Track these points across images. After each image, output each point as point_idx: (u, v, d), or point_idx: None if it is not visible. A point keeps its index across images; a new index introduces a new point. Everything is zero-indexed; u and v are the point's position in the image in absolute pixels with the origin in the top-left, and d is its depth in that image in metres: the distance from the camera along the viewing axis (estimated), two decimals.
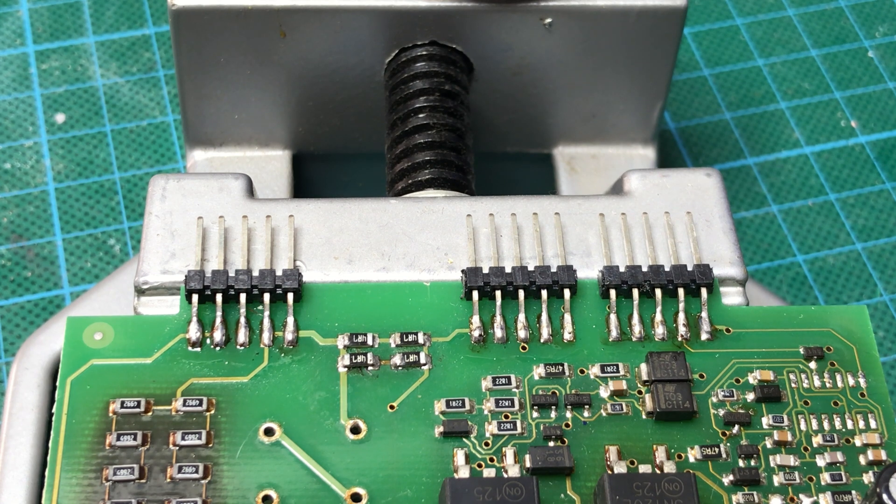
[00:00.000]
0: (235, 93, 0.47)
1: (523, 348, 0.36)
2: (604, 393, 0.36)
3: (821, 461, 0.35)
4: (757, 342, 0.37)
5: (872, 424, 0.36)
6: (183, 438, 0.34)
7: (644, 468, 0.34)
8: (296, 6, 0.44)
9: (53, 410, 0.35)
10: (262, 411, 0.35)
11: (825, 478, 0.35)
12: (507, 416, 0.35)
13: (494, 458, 0.34)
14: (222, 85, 0.46)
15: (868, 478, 0.35)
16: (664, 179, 0.40)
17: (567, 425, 0.35)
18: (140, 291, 0.37)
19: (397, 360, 0.36)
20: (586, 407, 0.35)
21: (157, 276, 0.37)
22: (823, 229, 0.56)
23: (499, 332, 0.37)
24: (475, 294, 0.37)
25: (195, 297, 0.36)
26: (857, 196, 0.57)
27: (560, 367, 0.36)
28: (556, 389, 0.36)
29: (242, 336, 0.36)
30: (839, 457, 0.35)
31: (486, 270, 0.37)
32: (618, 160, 0.49)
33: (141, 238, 0.38)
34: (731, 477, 0.34)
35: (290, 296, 0.36)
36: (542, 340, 0.37)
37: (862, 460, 0.35)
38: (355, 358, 0.36)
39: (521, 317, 0.37)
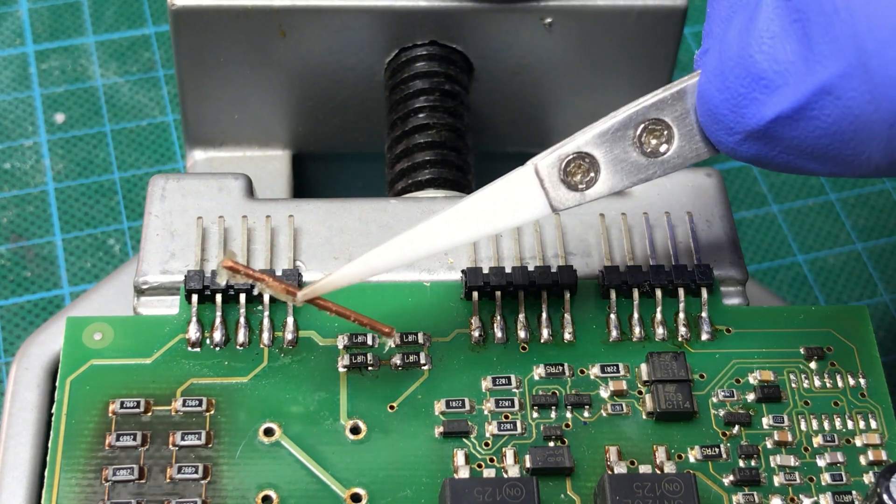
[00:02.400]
0: (235, 93, 0.47)
1: (523, 348, 0.36)
2: (604, 393, 0.36)
3: (821, 461, 0.35)
4: (757, 342, 0.37)
5: (873, 425, 0.36)
6: (182, 439, 0.34)
7: (644, 468, 0.34)
8: (296, 6, 0.44)
9: (53, 410, 0.35)
10: (262, 411, 0.35)
11: (825, 478, 0.35)
12: (507, 417, 0.35)
13: (494, 458, 0.34)
14: (222, 85, 0.46)
15: (868, 478, 0.35)
16: (664, 179, 0.40)
17: (567, 425, 0.35)
18: (140, 291, 0.37)
19: (397, 360, 0.36)
20: (586, 407, 0.35)
21: (157, 277, 0.37)
22: (824, 229, 0.56)
23: (499, 332, 0.37)
24: (475, 294, 0.37)
25: (195, 297, 0.36)
26: (857, 196, 0.57)
27: (560, 368, 0.36)
28: (556, 389, 0.36)
29: (242, 336, 0.36)
30: (839, 457, 0.35)
31: (486, 270, 0.37)
32: None
33: (140, 238, 0.38)
34: (731, 477, 0.34)
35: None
36: (542, 340, 0.37)
37: (862, 460, 0.35)
38: (355, 358, 0.36)
39: (521, 317, 0.37)
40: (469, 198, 0.32)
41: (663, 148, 0.32)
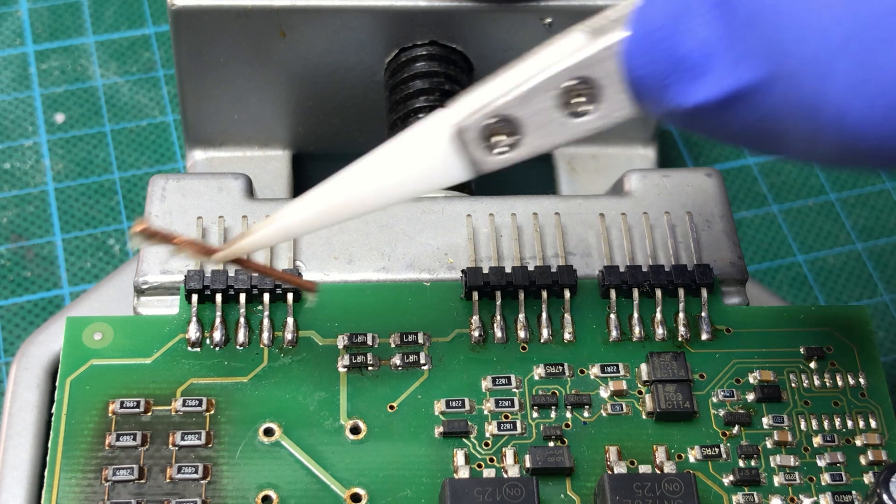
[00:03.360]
0: (235, 93, 0.47)
1: (523, 348, 0.36)
2: (604, 393, 0.36)
3: (821, 461, 0.35)
4: (757, 342, 0.37)
5: (873, 424, 0.36)
6: (182, 439, 0.34)
7: (644, 468, 0.34)
8: (296, 6, 0.44)
9: (53, 410, 0.35)
10: (262, 411, 0.35)
11: (825, 478, 0.35)
12: (507, 417, 0.35)
13: (494, 458, 0.34)
14: (222, 85, 0.46)
15: (868, 478, 0.35)
16: (664, 179, 0.40)
17: (567, 425, 0.35)
18: (140, 291, 0.37)
19: (397, 360, 0.36)
20: (586, 407, 0.35)
21: (157, 276, 0.37)
22: (824, 229, 0.56)
23: (499, 332, 0.36)
24: (475, 294, 0.37)
25: (195, 297, 0.36)
26: (857, 196, 0.57)
27: (560, 368, 0.36)
28: (556, 389, 0.36)
29: (242, 336, 0.36)
30: (839, 457, 0.35)
31: (486, 270, 0.37)
32: (618, 160, 0.49)
33: None
34: (731, 477, 0.34)
35: (290, 296, 0.36)
36: (542, 340, 0.37)
37: (862, 460, 0.35)
38: (355, 358, 0.36)
39: (521, 317, 0.37)
40: (384, 155, 0.30)
41: (590, 107, 0.30)
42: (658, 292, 0.37)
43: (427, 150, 0.30)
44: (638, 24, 0.28)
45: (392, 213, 0.39)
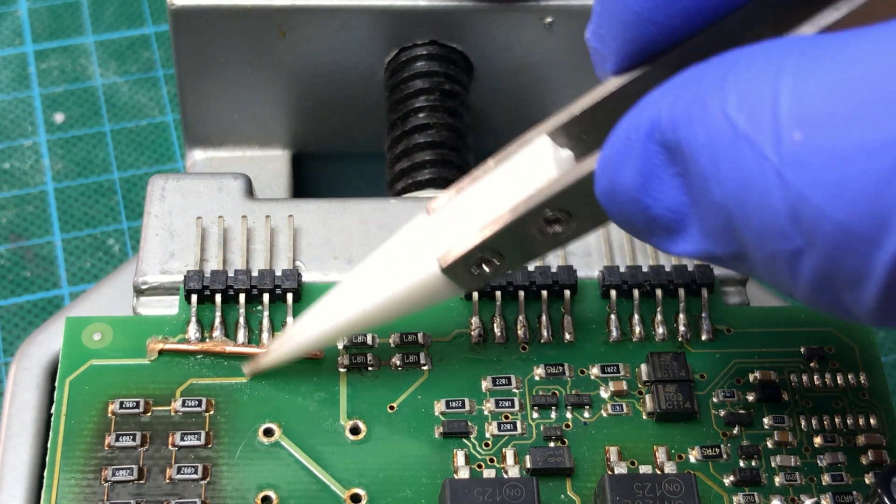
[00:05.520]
0: (235, 93, 0.47)
1: (523, 348, 0.36)
2: (604, 393, 0.36)
3: (822, 461, 0.35)
4: (758, 342, 0.37)
5: (873, 424, 0.36)
6: (182, 439, 0.34)
7: (645, 469, 0.34)
8: (296, 6, 0.43)
9: (52, 411, 0.35)
10: (262, 412, 0.35)
11: (826, 478, 0.35)
12: (507, 417, 0.35)
13: (494, 458, 0.34)
14: (222, 85, 0.46)
15: (869, 478, 0.35)
16: None
17: (567, 426, 0.35)
18: (139, 291, 0.37)
19: (397, 360, 0.36)
20: (587, 407, 0.35)
21: (157, 277, 0.37)
22: None
23: (499, 333, 0.36)
24: (475, 294, 0.37)
25: (194, 298, 0.36)
26: None
27: (560, 368, 0.36)
28: (556, 390, 0.36)
29: (242, 336, 0.36)
30: (840, 457, 0.35)
31: None
32: None
33: (140, 238, 0.38)
34: (731, 477, 0.34)
35: (290, 296, 0.36)
36: (542, 341, 0.37)
37: (863, 461, 0.35)
38: (355, 358, 0.36)
39: (521, 317, 0.37)
40: (383, 282, 0.33)
41: (566, 226, 0.31)
42: (658, 292, 0.37)
43: (421, 282, 0.32)
44: (606, 179, 0.28)
45: (392, 212, 0.39)
